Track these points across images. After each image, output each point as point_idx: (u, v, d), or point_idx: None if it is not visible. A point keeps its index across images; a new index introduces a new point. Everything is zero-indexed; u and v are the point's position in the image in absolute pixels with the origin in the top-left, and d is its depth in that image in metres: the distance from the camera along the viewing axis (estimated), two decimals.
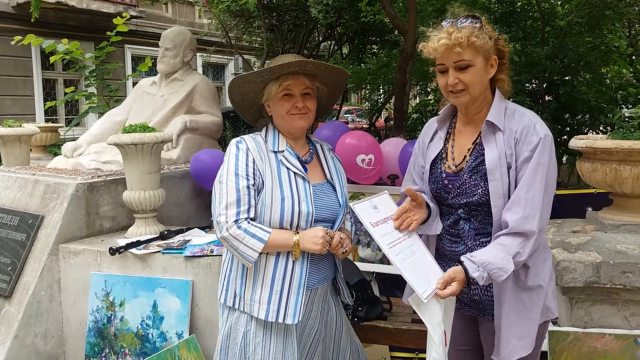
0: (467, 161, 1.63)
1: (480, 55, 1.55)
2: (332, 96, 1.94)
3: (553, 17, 5.99)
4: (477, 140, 1.63)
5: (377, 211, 1.65)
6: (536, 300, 1.61)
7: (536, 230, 1.51)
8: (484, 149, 1.59)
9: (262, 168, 1.72)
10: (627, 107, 6.80)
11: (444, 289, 1.49)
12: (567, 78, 6.18)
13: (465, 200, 1.62)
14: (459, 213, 1.65)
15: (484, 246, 1.59)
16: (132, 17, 12.51)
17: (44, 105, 8.01)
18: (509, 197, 1.54)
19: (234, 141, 1.76)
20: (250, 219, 1.68)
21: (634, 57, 7.32)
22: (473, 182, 1.60)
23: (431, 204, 1.74)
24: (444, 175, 1.68)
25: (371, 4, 6.13)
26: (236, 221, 1.65)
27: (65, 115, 11.57)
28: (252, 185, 1.69)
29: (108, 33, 4.96)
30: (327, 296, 1.89)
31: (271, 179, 1.71)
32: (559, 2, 6.29)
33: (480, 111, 1.64)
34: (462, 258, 1.53)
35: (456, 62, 1.54)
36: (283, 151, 1.77)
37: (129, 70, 12.48)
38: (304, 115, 1.77)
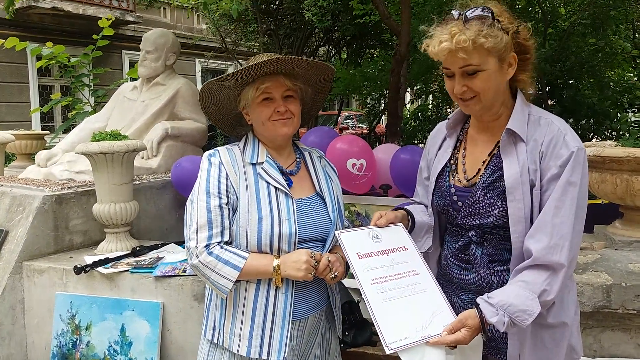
0: (481, 175, 1.40)
1: (491, 57, 1.30)
2: (319, 97, 1.72)
3: (555, 18, 5.78)
4: (494, 151, 1.40)
5: (377, 241, 1.45)
6: (559, 340, 1.36)
7: (565, 262, 1.26)
8: (502, 162, 1.36)
9: (237, 184, 1.51)
10: (632, 112, 6.59)
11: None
12: (570, 82, 5.97)
13: (478, 222, 1.39)
14: (470, 236, 1.42)
15: (500, 275, 1.37)
16: (129, 22, 12.47)
17: (31, 111, 7.91)
18: (532, 221, 1.31)
19: (206, 154, 1.57)
20: (225, 242, 1.48)
21: (638, 60, 7.10)
22: (488, 201, 1.36)
23: (418, 218, 1.53)
24: (452, 189, 1.46)
25: (364, 2, 5.93)
26: (207, 246, 1.46)
27: (62, 122, 11.45)
28: (226, 204, 1.49)
29: (94, 37, 4.80)
30: (322, 326, 1.66)
31: (247, 196, 1.50)
32: (562, 3, 6.08)
33: (499, 117, 1.40)
34: (478, 300, 1.29)
35: (462, 68, 1.31)
36: (262, 163, 1.56)
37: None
38: (288, 120, 1.56)
